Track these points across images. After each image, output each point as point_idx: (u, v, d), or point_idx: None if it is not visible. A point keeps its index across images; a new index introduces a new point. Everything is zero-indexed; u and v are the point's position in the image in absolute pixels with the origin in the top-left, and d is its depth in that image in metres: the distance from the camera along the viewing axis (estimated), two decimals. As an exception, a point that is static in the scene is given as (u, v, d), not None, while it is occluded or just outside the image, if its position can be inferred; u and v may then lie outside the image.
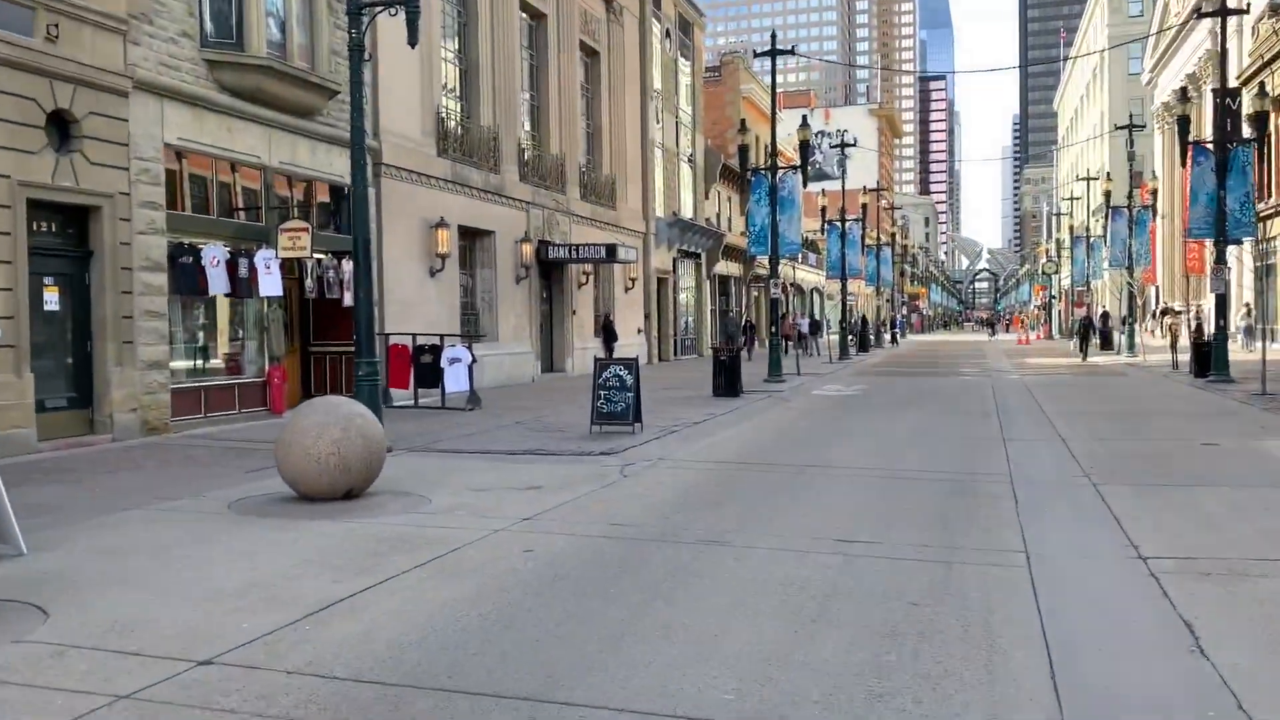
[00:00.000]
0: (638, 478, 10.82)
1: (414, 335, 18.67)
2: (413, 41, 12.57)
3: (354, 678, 4.79)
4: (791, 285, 57.35)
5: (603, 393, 14.53)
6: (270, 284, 16.20)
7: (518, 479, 10.65)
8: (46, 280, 12.77)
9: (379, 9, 12.69)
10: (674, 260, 38.10)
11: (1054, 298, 76.66)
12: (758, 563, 7.05)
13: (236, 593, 6.22)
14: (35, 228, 12.56)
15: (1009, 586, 6.48)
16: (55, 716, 4.34)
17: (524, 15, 26.97)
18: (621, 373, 14.50)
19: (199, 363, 15.83)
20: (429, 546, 7.46)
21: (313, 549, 7.40)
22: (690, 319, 41.36)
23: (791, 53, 25.56)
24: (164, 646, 5.21)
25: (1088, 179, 56.22)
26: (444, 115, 22.50)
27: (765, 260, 29.03)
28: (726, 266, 46.33)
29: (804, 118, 26.60)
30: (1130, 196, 39.92)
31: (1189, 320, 35.45)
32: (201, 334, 16.05)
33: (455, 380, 18.24)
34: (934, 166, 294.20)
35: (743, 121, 26.86)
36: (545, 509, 8.94)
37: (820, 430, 15.59)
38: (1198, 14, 33.85)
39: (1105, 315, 45.87)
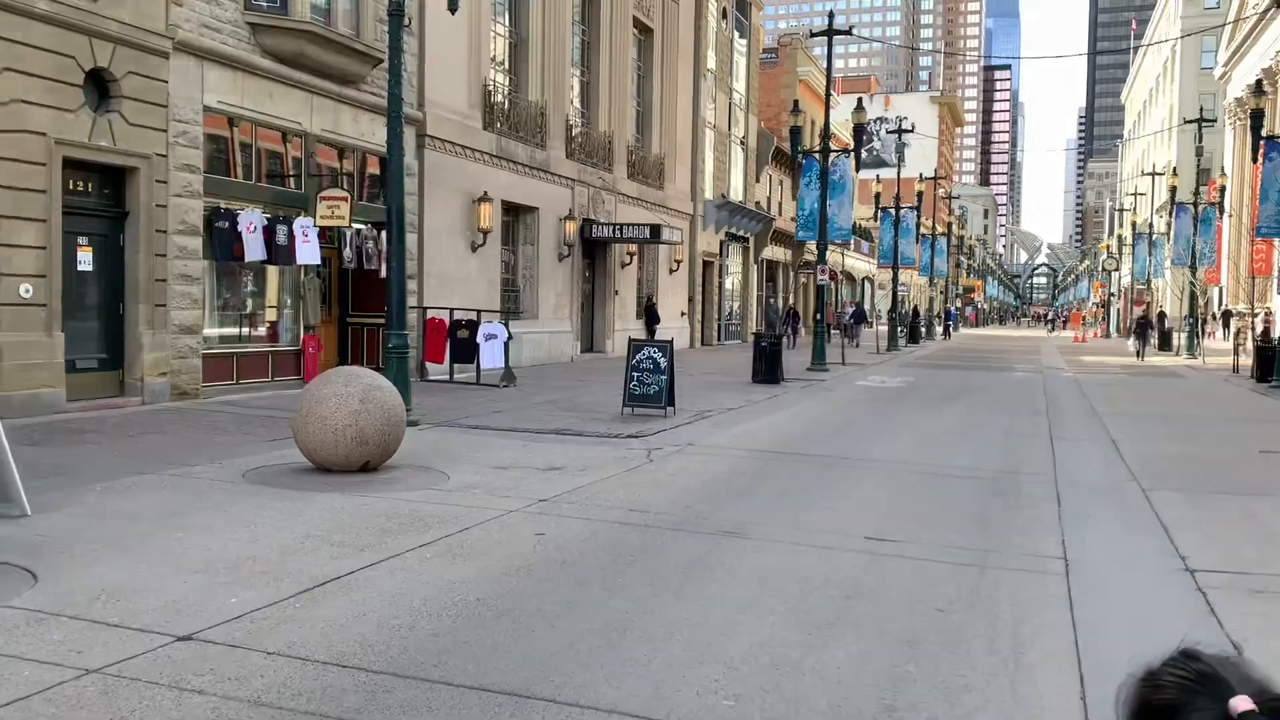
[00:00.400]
0: (663, 462, 10.50)
1: (451, 310, 18.48)
2: (452, 7, 12.29)
3: (336, 662, 4.54)
4: (841, 273, 56.56)
5: (635, 374, 14.22)
6: (308, 252, 16.07)
7: (541, 459, 10.39)
8: (80, 240, 12.72)
9: (420, -27, 12.40)
10: (721, 243, 37.60)
11: (1113, 295, 74.86)
12: (778, 558, 6.70)
13: (232, 565, 6.01)
14: (71, 187, 12.49)
15: (1044, 595, 6.08)
16: (18, 689, 4.13)
17: (577, -11, 26.60)
18: (655, 354, 14.18)
19: (233, 329, 15.75)
20: (439, 525, 7.21)
21: (319, 522, 7.18)
22: (736, 304, 40.86)
23: (848, 33, 24.94)
24: (146, 619, 5.01)
25: (1153, 174, 54.66)
26: (491, 89, 22.23)
27: (814, 246, 28.48)
28: (775, 251, 45.73)
29: (859, 100, 25.96)
30: (1196, 193, 38.64)
31: (1253, 323, 34.27)
32: (236, 300, 15.96)
33: (491, 356, 18.03)
34: (996, 158, 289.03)
35: (795, 103, 26.29)
36: (564, 491, 8.66)
37: (859, 422, 15.15)
38: (1277, 4, 32.52)
39: (1162, 315, 44.57)
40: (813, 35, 27.47)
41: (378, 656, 4.62)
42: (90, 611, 5.09)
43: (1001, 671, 4.73)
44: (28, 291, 11.71)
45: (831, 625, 5.32)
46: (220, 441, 10.76)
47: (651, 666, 4.60)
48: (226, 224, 14.75)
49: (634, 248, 28.98)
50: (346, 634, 4.90)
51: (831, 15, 25.19)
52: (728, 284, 39.62)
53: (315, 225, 16.15)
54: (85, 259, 12.81)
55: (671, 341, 14.95)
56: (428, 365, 19.02)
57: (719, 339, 37.54)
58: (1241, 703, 1.10)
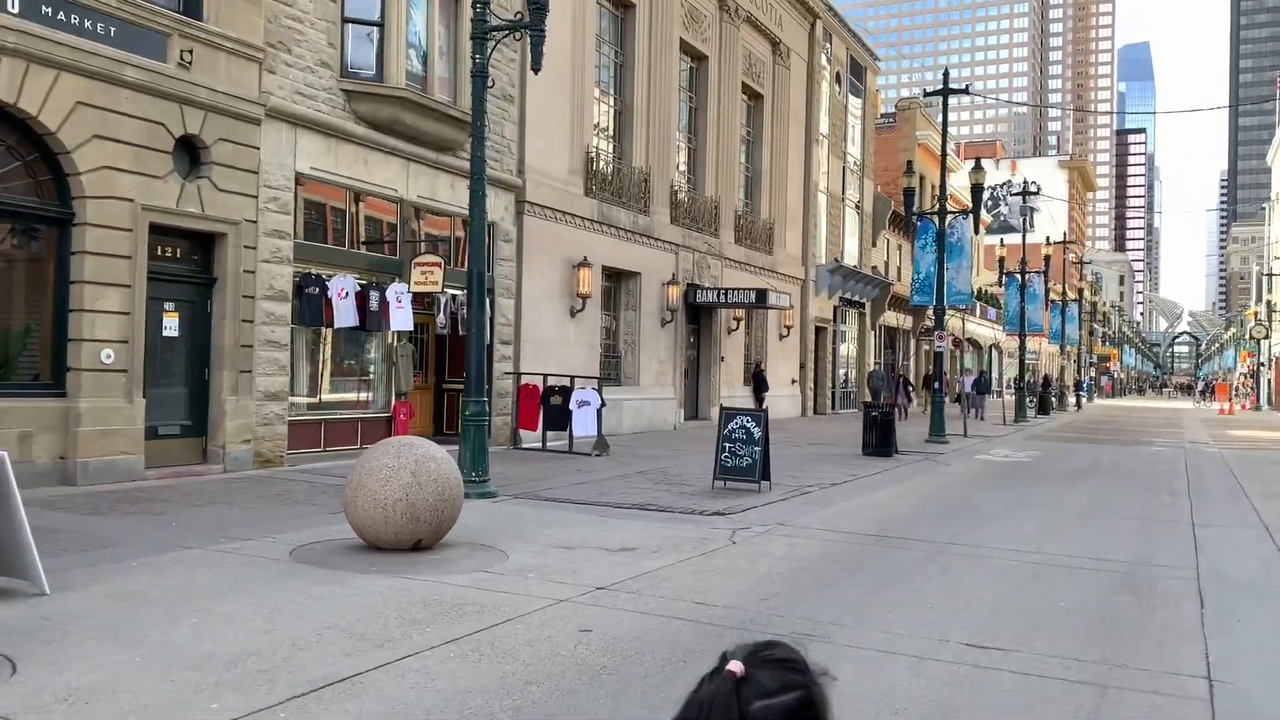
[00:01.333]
0: (746, 545, 9.59)
1: (545, 376, 18.00)
2: (535, 67, 11.93)
3: (300, 793, 3.83)
4: (965, 339, 54.45)
5: (727, 445, 13.36)
6: (401, 318, 15.85)
7: (613, 538, 9.61)
8: (167, 306, 12.68)
9: (503, 34, 12.12)
10: (835, 309, 36.48)
11: (1262, 365, 70.15)
12: (856, 668, 5.73)
13: (231, 661, 5.39)
14: (158, 252, 12.50)
15: (1182, 731, 4.96)
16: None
17: (685, 56, 26.37)
18: (749, 424, 13.30)
19: (321, 396, 15.55)
20: (477, 616, 6.49)
21: (348, 610, 6.55)
22: (851, 371, 39.51)
23: (964, 92, 23.93)
24: (110, 727, 4.40)
25: (1305, 235, 51.13)
26: (593, 155, 22.00)
27: (933, 311, 27.18)
28: (894, 318, 44.26)
29: (977, 160, 24.78)
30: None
31: None
32: (325, 367, 15.79)
33: (584, 424, 17.43)
34: (1131, 225, 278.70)
35: (909, 163, 25.27)
36: (628, 576, 7.85)
37: (975, 501, 13.89)
38: None
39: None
40: (927, 95, 26.52)
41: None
42: (50, 716, 4.52)
43: (1123, 843, 3.70)
44: (109, 357, 11.65)
45: (908, 765, 4.34)
46: (285, 513, 10.34)
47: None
48: (316, 289, 14.63)
49: (741, 313, 28.21)
50: (326, 755, 4.20)
51: (946, 73, 24.25)
52: (843, 350, 38.38)
53: (409, 291, 15.95)
54: (171, 324, 12.76)
55: (766, 410, 14.07)
56: (521, 433, 18.54)
57: (833, 407, 36.24)
58: (736, 666, 1.41)
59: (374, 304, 15.46)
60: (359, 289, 15.19)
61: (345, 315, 14.97)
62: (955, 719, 4.99)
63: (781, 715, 1.38)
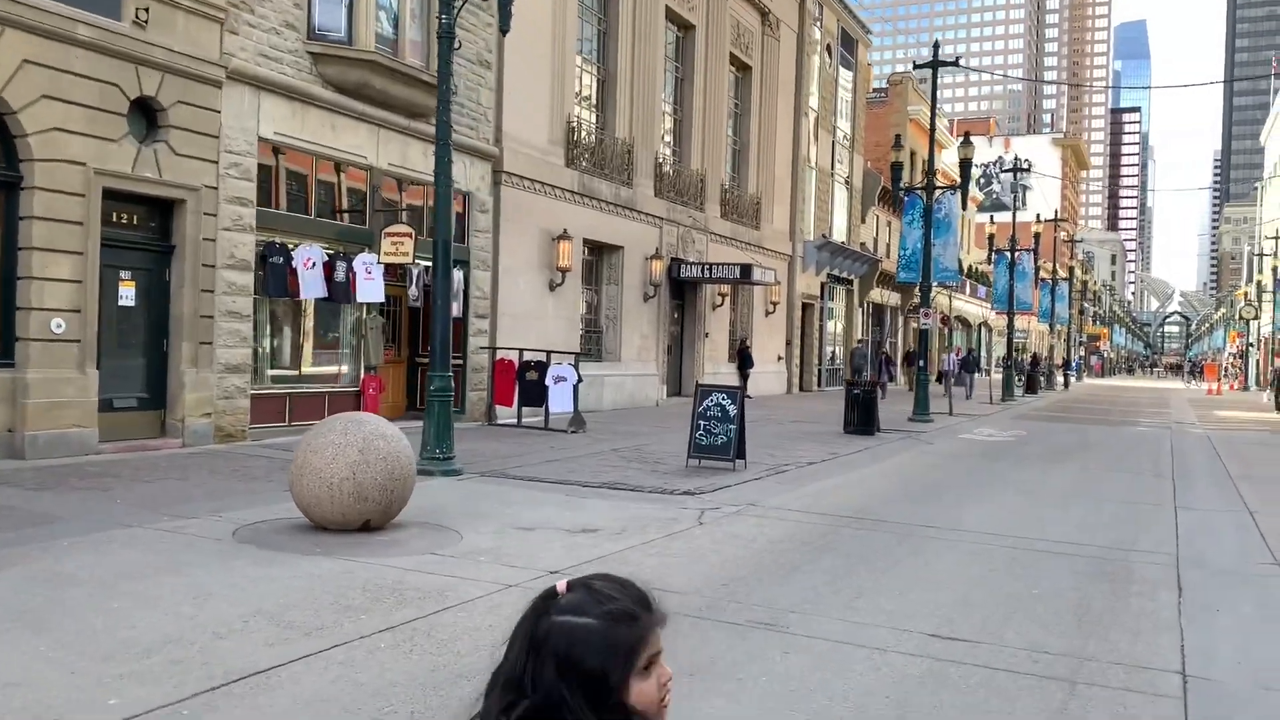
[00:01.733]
0: (714, 526, 9.27)
1: (520, 350, 17.63)
2: (504, 28, 11.52)
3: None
4: (953, 318, 54.18)
5: (702, 423, 13.04)
6: (370, 290, 15.44)
7: (577, 518, 9.29)
8: (123, 274, 12.26)
9: (472, -7, 11.67)
10: (823, 285, 36.10)
11: (1251, 346, 70.06)
12: (812, 660, 5.43)
13: (146, 650, 5.05)
14: (114, 219, 12.06)
15: (1153, 732, 4.67)
16: None
17: (671, 25, 25.84)
18: (724, 401, 12.97)
19: (286, 369, 15.14)
20: (418, 602, 6.16)
21: (282, 595, 6.21)
22: (838, 348, 39.20)
23: (954, 64, 23.49)
24: (-5, 724, 4.07)
25: (1297, 215, 50.88)
26: (575, 125, 21.52)
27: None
28: (882, 295, 43.91)
29: (966, 135, 24.38)
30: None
31: None
32: (291, 339, 15.39)
33: (560, 400, 17.08)
34: (1124, 204, 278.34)
35: (897, 137, 24.85)
36: (583, 561, 7.52)
37: (955, 481, 13.61)
38: None
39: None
40: (917, 67, 26.04)
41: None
42: (-68, 712, 4.18)
43: None
44: (60, 327, 11.25)
45: (855, 771, 4.03)
46: (237, 490, 9.99)
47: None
48: (281, 259, 14.21)
49: (726, 289, 27.82)
50: (224, 758, 3.87)
51: (936, 45, 23.77)
52: (830, 327, 38.05)
53: (379, 262, 15.53)
54: (128, 294, 12.34)
55: (742, 387, 13.77)
56: (497, 409, 18.19)
57: (819, 384, 35.94)
58: (562, 584, 1.52)
59: (342, 275, 15.04)
60: (326, 259, 14.77)
61: (312, 286, 14.56)
62: (912, 718, 4.68)
63: (568, 637, 1.42)
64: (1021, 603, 7.00)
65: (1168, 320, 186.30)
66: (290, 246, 14.33)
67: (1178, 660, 5.76)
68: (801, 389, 34.27)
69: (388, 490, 7.82)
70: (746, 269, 25.29)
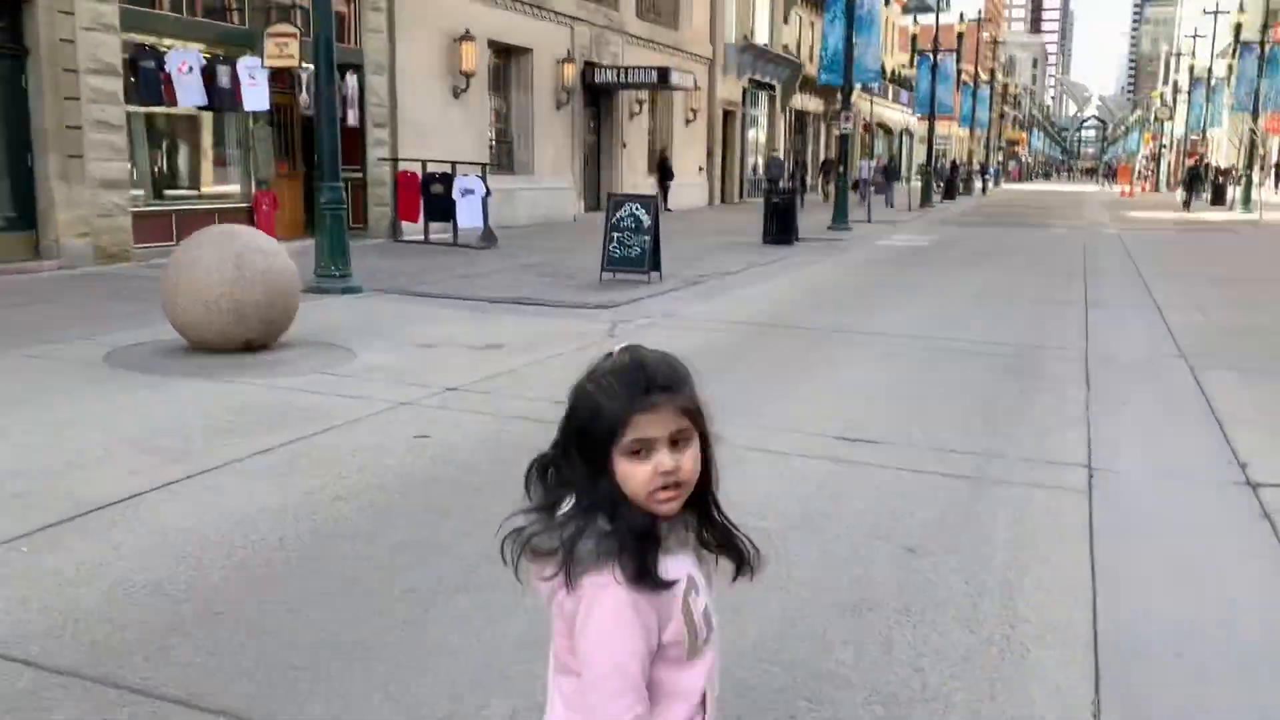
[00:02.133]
0: (626, 339, 8.97)
1: (424, 163, 16.75)
2: None
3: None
4: (875, 124, 53.51)
5: (616, 235, 12.58)
6: (255, 97, 14.36)
7: (482, 334, 8.91)
8: (-29, 81, 11.11)
9: None
10: (744, 91, 35.03)
11: (1165, 148, 70.96)
12: (714, 469, 5.21)
13: (-8, 483, 4.63)
14: (-47, 18, 10.82)
15: (1058, 525, 4.59)
16: None
17: None
18: (638, 211, 12.50)
19: (170, 185, 14.17)
20: (302, 423, 5.78)
21: (153, 419, 5.79)
22: (761, 158, 38.50)
23: None
24: None
25: (1216, 12, 50.57)
26: (475, -88, 19.87)
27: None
28: (805, 101, 42.94)
29: (890, -75, 23.13)
30: (1264, 31, 35.38)
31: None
32: (175, 153, 14.35)
33: (468, 214, 16.40)
34: (1047, 3, 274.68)
35: (819, -72, 23.50)
36: (484, 376, 7.19)
37: (871, 287, 13.48)
38: None
39: (1222, 170, 41.61)
40: None
41: (78, 639, 3.23)
42: None
43: (983, 659, 3.27)
44: (-99, 141, 10.20)
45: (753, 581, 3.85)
46: (116, 313, 9.36)
47: (439, 675, 3.17)
48: (153, 63, 13.05)
49: (644, 96, 26.76)
50: (68, 595, 3.52)
51: None
52: (752, 136, 37.21)
53: (264, 67, 14.38)
54: (-21, 104, 11.22)
55: (656, 196, 13.27)
56: (403, 225, 17.45)
57: (741, 196, 35.42)
58: (616, 348, 1.56)
59: (224, 80, 13.93)
60: (204, 63, 13.61)
61: (190, 93, 13.46)
62: (816, 521, 4.53)
63: (574, 394, 1.52)
64: (931, 402, 6.89)
65: (1085, 125, 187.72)
66: (163, 50, 13.13)
67: (1084, 454, 5.70)
68: (724, 201, 33.76)
69: (269, 308, 7.32)
70: (665, 73, 24.26)
